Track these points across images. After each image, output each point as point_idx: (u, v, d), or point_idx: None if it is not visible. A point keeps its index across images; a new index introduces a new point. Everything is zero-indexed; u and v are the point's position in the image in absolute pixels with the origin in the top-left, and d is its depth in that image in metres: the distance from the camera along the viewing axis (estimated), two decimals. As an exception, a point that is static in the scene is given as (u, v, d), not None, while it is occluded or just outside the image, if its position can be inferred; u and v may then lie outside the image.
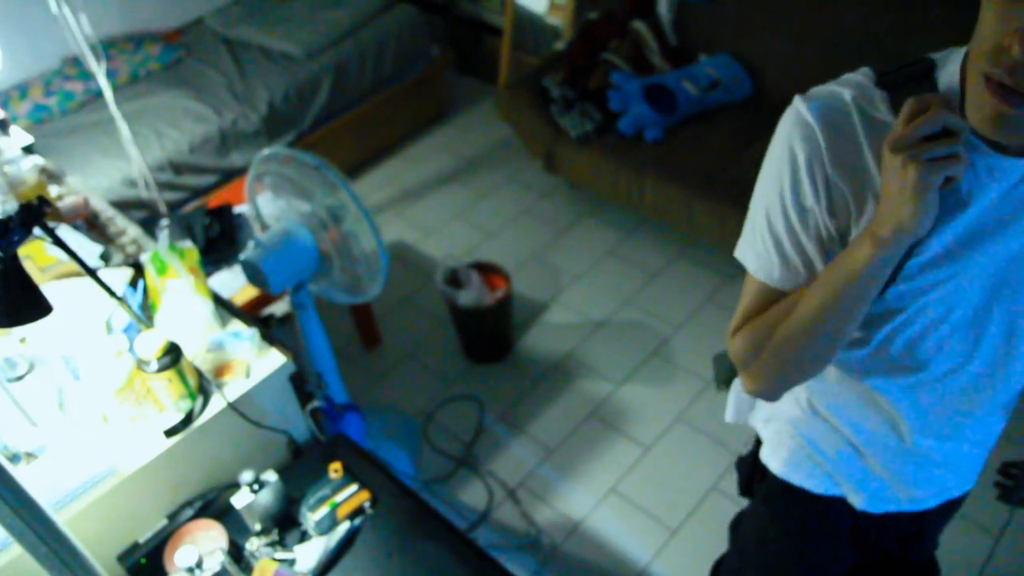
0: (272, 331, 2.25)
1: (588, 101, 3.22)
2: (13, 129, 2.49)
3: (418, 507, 1.60)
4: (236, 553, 1.53)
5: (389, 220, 3.62)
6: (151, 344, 1.46)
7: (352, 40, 3.73)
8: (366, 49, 3.73)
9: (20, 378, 1.52)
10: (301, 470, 1.67)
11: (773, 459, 1.31)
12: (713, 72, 3.20)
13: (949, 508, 1.35)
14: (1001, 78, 0.73)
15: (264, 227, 2.20)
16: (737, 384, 1.31)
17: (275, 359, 1.67)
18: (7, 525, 0.97)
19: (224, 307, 1.79)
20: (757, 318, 1.04)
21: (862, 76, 0.91)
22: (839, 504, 1.27)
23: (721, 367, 1.38)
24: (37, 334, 1.58)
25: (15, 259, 1.17)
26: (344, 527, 1.54)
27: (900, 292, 0.94)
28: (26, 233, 1.21)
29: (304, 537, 1.55)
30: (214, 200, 2.97)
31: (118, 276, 1.80)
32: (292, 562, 1.49)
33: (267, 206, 2.12)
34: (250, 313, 2.60)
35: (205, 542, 1.52)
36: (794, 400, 1.22)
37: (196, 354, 1.66)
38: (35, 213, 1.22)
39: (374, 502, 1.59)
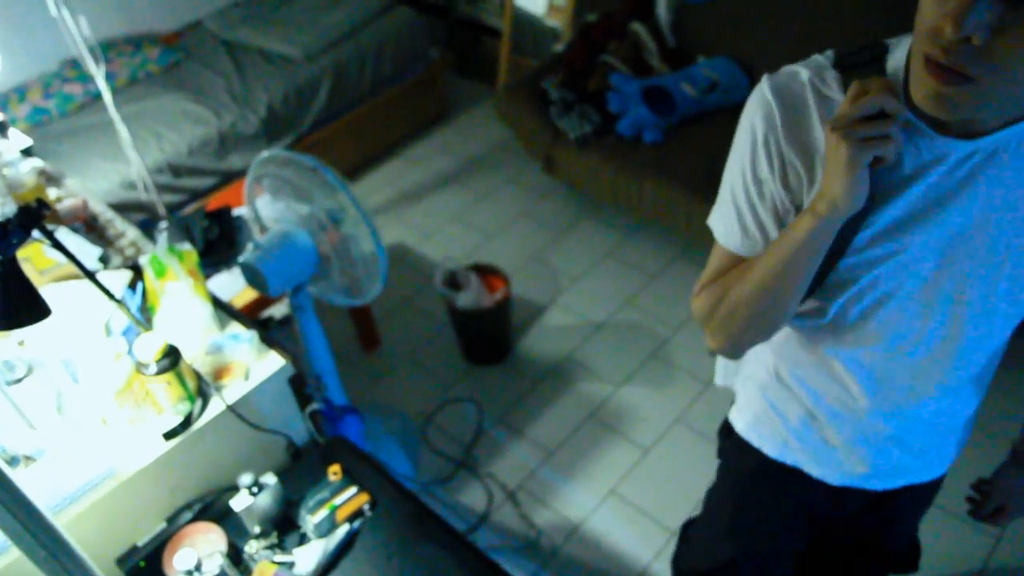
0: (271, 333, 2.25)
1: (587, 103, 3.22)
2: (12, 132, 2.49)
3: (417, 509, 1.60)
4: (235, 556, 1.53)
5: (388, 222, 3.62)
6: (150, 347, 1.46)
7: (351, 42, 3.73)
8: (365, 51, 3.73)
9: (19, 381, 1.51)
10: (300, 473, 1.67)
11: (739, 419, 1.37)
12: (712, 74, 3.20)
13: (919, 497, 1.36)
14: (938, 58, 0.76)
15: (263, 229, 2.20)
16: None
17: (274, 361, 1.67)
18: (5, 528, 0.97)
19: (223, 309, 1.79)
20: (719, 280, 1.11)
21: (823, 57, 0.96)
22: (793, 472, 1.31)
23: None
24: (36, 337, 1.58)
25: (14, 262, 1.17)
26: (343, 530, 1.54)
27: (850, 264, 0.98)
28: (25, 236, 1.20)
29: (303, 540, 1.55)
30: (213, 202, 2.97)
31: (117, 279, 1.80)
32: (291, 565, 1.49)
33: (266, 208, 2.12)
34: (249, 315, 2.60)
35: (204, 545, 1.51)
36: (763, 365, 1.26)
37: (195, 357, 1.66)
38: (34, 216, 1.22)
39: (373, 504, 1.59)
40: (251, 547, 1.52)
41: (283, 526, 1.57)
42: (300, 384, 1.74)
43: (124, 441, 1.52)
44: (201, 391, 1.59)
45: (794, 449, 1.28)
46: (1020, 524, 2.24)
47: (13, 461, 1.45)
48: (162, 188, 3.12)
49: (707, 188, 2.87)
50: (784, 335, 1.17)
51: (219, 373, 1.64)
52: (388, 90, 3.90)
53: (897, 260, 0.97)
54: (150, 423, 1.54)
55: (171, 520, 1.57)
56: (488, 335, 2.88)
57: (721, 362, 1.38)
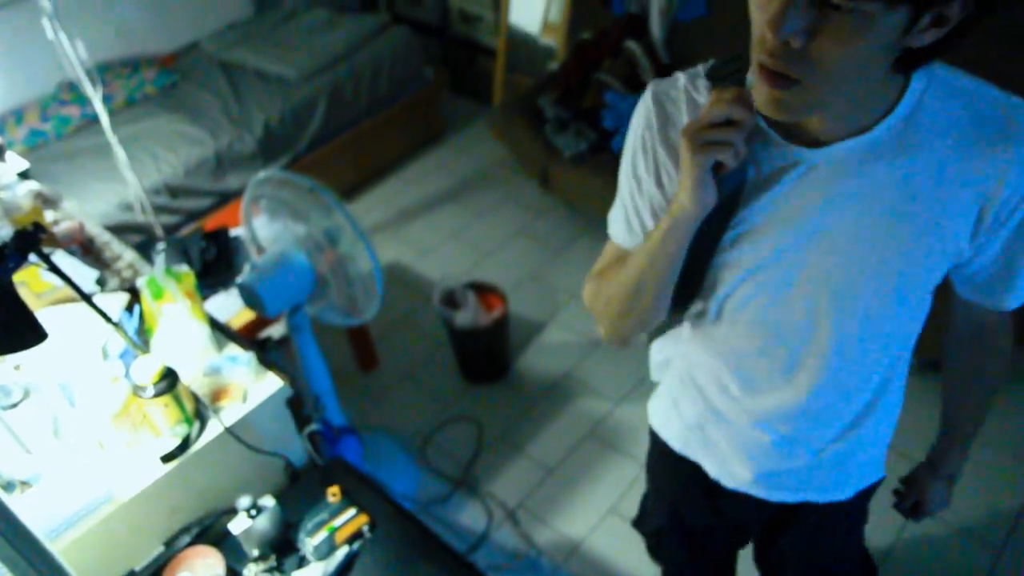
0: (269, 354, 2.24)
1: (582, 120, 3.23)
2: (9, 154, 2.49)
3: (417, 530, 1.59)
4: (233, 580, 1.52)
5: (385, 241, 3.63)
6: (147, 369, 1.45)
7: (347, 62, 3.75)
8: (361, 71, 3.75)
9: (15, 405, 1.50)
10: (299, 494, 1.66)
11: (651, 411, 1.43)
12: (706, 90, 3.21)
13: (832, 518, 1.34)
14: (766, 63, 0.80)
15: (260, 250, 2.20)
16: (653, 345, 1.36)
17: (272, 383, 1.66)
18: (1, 555, 0.96)
19: (221, 331, 1.78)
20: (602, 272, 1.16)
21: (701, 66, 1.02)
22: (694, 466, 1.35)
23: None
24: (32, 361, 1.57)
25: (10, 286, 1.16)
26: (343, 552, 1.53)
27: (720, 264, 1.03)
28: (21, 259, 1.20)
29: (302, 562, 1.54)
30: (210, 223, 2.97)
31: (114, 301, 1.79)
32: (290, 588, 1.48)
33: (263, 229, 2.12)
34: (247, 336, 2.60)
35: (202, 569, 1.50)
36: (675, 362, 1.30)
37: (193, 379, 1.65)
38: (30, 239, 1.22)
39: (373, 526, 1.58)
40: (250, 571, 1.51)
41: (282, 549, 1.56)
42: (298, 405, 1.74)
43: (121, 465, 1.51)
44: (199, 413, 1.58)
45: (693, 447, 1.33)
46: (1021, 538, 2.23)
47: (9, 486, 1.44)
48: (159, 209, 3.12)
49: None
50: (689, 335, 1.20)
51: (217, 395, 1.63)
52: (384, 110, 3.91)
53: (761, 262, 1.00)
54: (147, 446, 1.53)
55: (169, 544, 1.56)
56: (486, 353, 2.88)
57: (651, 359, 1.41)
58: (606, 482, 2.54)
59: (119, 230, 2.93)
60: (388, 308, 3.13)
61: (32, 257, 1.25)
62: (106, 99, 2.75)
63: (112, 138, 2.66)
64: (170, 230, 3.19)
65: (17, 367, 1.58)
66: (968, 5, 0.76)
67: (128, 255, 2.10)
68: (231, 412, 1.60)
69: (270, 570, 1.51)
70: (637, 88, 3.41)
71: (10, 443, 1.47)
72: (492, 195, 3.83)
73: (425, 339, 3.12)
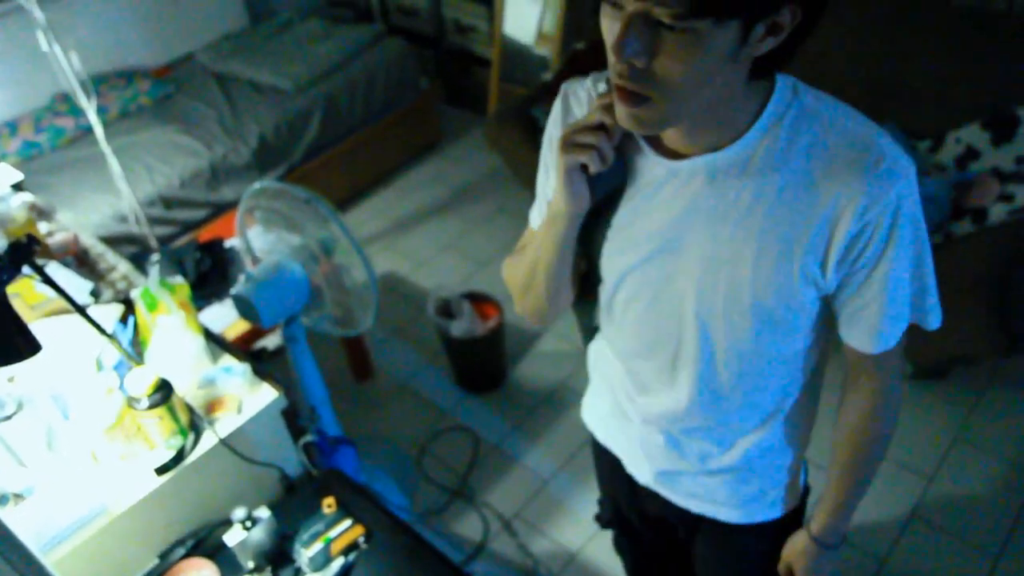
0: (264, 365, 2.24)
1: (577, 130, 3.24)
2: (2, 166, 2.49)
3: (413, 541, 1.58)
4: (229, 592, 1.51)
5: (380, 252, 3.63)
6: (141, 381, 1.45)
7: (342, 73, 3.75)
8: (356, 82, 3.76)
9: (8, 418, 1.50)
10: (294, 506, 1.66)
11: (583, 405, 1.48)
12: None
13: (727, 538, 1.32)
14: (619, 82, 0.83)
15: (255, 261, 2.20)
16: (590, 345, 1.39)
17: (267, 394, 1.66)
18: (-6, 569, 0.96)
19: (215, 342, 1.78)
20: (518, 249, 1.22)
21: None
22: (616, 459, 1.39)
23: (582, 325, 1.39)
24: (26, 373, 1.57)
25: (4, 297, 1.16)
26: (338, 563, 1.52)
27: (603, 263, 1.07)
28: (15, 271, 1.20)
29: (298, 574, 1.53)
30: (205, 234, 2.97)
31: (108, 313, 1.79)
32: (286, 600, 1.47)
33: (258, 240, 2.12)
34: (242, 346, 2.59)
35: (197, 581, 1.49)
36: (595, 358, 1.35)
37: (187, 390, 1.65)
38: (24, 251, 1.22)
39: (368, 537, 1.57)
40: (245, 583, 1.50)
41: (277, 560, 1.55)
42: (293, 416, 1.73)
43: (115, 477, 1.51)
44: (193, 425, 1.58)
45: (610, 440, 1.38)
46: (1018, 544, 2.23)
47: (2, 499, 1.43)
48: (154, 220, 3.12)
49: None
50: (601, 331, 1.23)
51: (212, 406, 1.63)
52: (379, 120, 3.92)
53: (632, 266, 1.04)
54: (142, 458, 1.53)
55: (164, 556, 1.55)
56: (482, 363, 2.87)
57: (588, 354, 1.45)
58: (602, 491, 2.53)
59: (113, 241, 2.93)
60: (383, 318, 3.13)
61: (26, 269, 1.24)
62: (100, 110, 2.75)
63: (106, 149, 2.66)
64: (165, 241, 3.19)
65: (11, 379, 1.57)
66: (797, 12, 0.78)
67: (122, 266, 2.10)
68: (226, 423, 1.60)
69: (265, 582, 1.51)
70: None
71: (4, 455, 1.46)
72: (487, 205, 3.83)
73: (421, 349, 3.12)
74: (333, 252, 1.92)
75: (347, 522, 1.57)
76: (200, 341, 1.70)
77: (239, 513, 1.50)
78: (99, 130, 2.61)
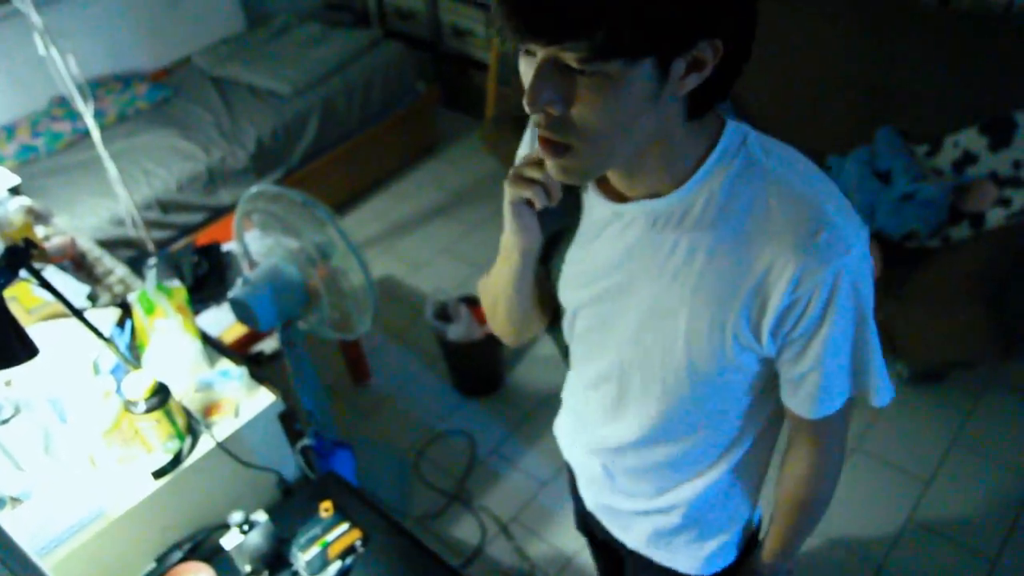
0: (261, 369, 2.24)
1: (574, 134, 3.24)
2: None
3: (410, 545, 1.58)
4: (226, 596, 1.51)
5: (378, 255, 3.63)
6: (139, 385, 1.45)
7: (339, 77, 3.76)
8: (353, 86, 3.76)
9: (6, 422, 1.50)
10: (291, 509, 1.66)
11: (557, 415, 1.43)
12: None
13: (650, 572, 1.29)
14: (542, 133, 0.81)
15: (252, 264, 2.20)
16: None
17: (264, 397, 1.66)
18: (-9, 573, 0.96)
19: (212, 346, 1.78)
20: (490, 271, 1.20)
21: None
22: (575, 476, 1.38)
23: (559, 345, 1.38)
24: (23, 377, 1.57)
25: (1, 301, 1.16)
26: (335, 567, 1.52)
27: (559, 296, 1.08)
28: (12, 275, 1.20)
29: (295, 578, 1.53)
30: (202, 238, 2.97)
31: (105, 317, 1.79)
32: (283, 604, 1.47)
33: (255, 243, 2.12)
34: (239, 350, 2.59)
35: (194, 585, 1.49)
36: (567, 377, 1.33)
37: (184, 394, 1.65)
38: (21, 255, 1.22)
39: (366, 541, 1.57)
40: (242, 587, 1.50)
41: (274, 564, 1.55)
42: (290, 420, 1.73)
43: (113, 481, 1.50)
44: (191, 429, 1.58)
45: (571, 458, 1.35)
46: (1014, 548, 2.23)
47: (0, 503, 1.43)
48: (151, 224, 3.11)
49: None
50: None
51: (209, 410, 1.63)
52: (376, 124, 3.92)
53: (580, 303, 1.04)
54: (139, 462, 1.53)
55: (161, 560, 1.55)
56: (479, 367, 2.87)
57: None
58: (600, 495, 2.53)
59: (110, 245, 2.93)
60: (381, 322, 3.13)
61: (23, 272, 1.24)
62: (97, 114, 2.75)
63: (103, 153, 2.66)
64: (162, 245, 3.18)
65: (8, 383, 1.57)
66: (719, 45, 0.73)
67: (120, 270, 2.10)
68: (223, 427, 1.59)
69: (263, 586, 1.50)
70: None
71: (1, 459, 1.46)
72: (485, 209, 3.84)
73: (418, 353, 3.12)
74: (330, 256, 1.92)
75: (344, 526, 1.57)
76: (197, 345, 1.70)
77: (236, 517, 1.50)
78: (96, 134, 2.60)
